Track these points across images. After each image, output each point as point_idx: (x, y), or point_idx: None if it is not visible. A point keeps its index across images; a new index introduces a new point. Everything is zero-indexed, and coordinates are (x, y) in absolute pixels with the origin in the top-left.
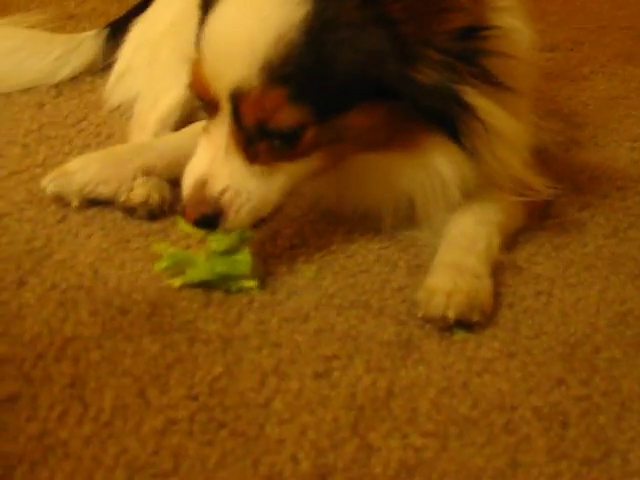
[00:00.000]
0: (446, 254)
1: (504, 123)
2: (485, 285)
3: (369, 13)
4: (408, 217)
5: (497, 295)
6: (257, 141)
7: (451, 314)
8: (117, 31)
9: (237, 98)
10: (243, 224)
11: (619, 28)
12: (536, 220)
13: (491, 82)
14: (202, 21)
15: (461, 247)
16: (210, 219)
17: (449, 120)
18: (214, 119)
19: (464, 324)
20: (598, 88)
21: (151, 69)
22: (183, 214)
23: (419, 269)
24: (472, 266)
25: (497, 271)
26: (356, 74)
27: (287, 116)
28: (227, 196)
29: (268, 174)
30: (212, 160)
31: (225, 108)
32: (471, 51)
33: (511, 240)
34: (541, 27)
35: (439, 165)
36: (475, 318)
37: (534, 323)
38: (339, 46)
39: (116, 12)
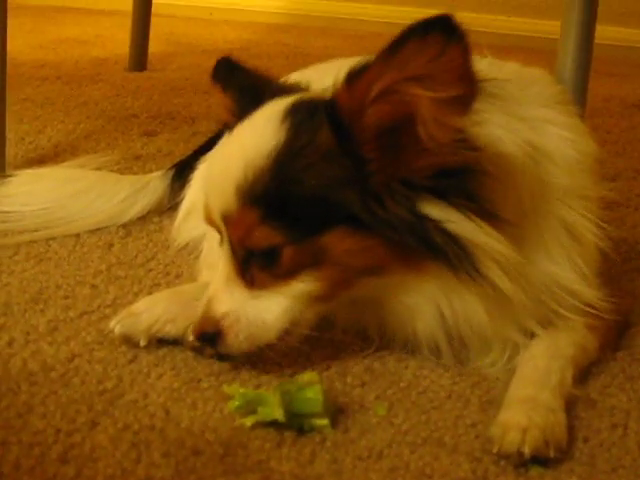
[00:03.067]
0: (519, 389)
1: (497, 248)
2: (560, 419)
3: (339, 145)
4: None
5: (572, 429)
6: (249, 264)
7: (527, 450)
8: (183, 171)
9: (226, 223)
10: (242, 348)
11: None
12: (609, 352)
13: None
14: None
15: (534, 381)
16: (211, 337)
17: (435, 250)
18: (222, 243)
19: (540, 460)
20: None
21: None
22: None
23: (491, 404)
24: (546, 401)
25: (571, 404)
26: (321, 199)
27: (262, 235)
28: (227, 320)
29: (267, 298)
30: (217, 283)
31: (224, 234)
32: (451, 187)
33: (584, 372)
34: (602, 157)
35: (434, 293)
36: (551, 454)
37: (611, 457)
38: (304, 171)
39: (181, 152)
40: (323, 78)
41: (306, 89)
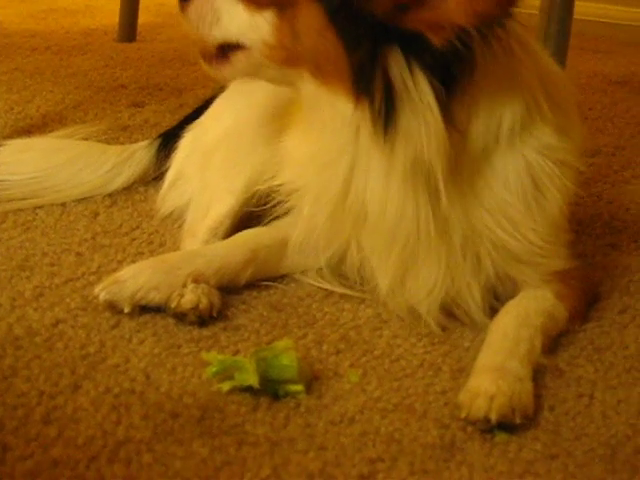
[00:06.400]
0: (488, 357)
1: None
2: (527, 388)
3: None
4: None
5: (538, 397)
6: None
7: (493, 416)
8: (169, 141)
9: None
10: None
11: None
12: (578, 323)
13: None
14: None
15: (503, 350)
16: None
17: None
18: None
19: (506, 426)
20: (639, 192)
21: (203, 177)
22: None
23: (462, 373)
24: (514, 369)
25: (539, 374)
26: None
27: None
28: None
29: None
30: None
31: None
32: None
33: (553, 343)
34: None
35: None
36: (517, 421)
37: (575, 425)
38: None
39: (168, 123)
40: None
41: None
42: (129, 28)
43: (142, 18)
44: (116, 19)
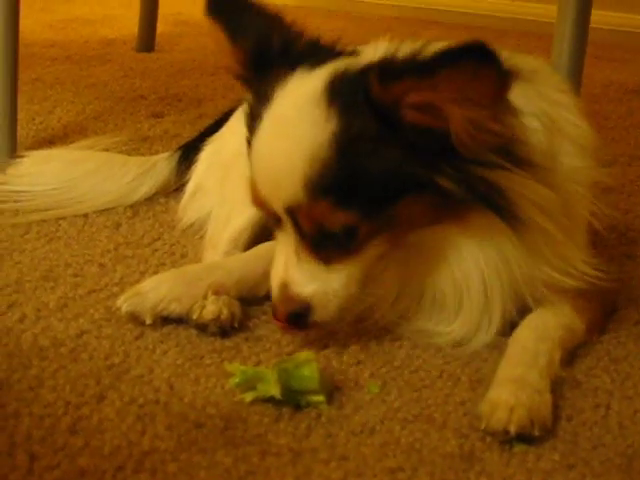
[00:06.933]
0: (508, 369)
1: (542, 197)
2: (546, 400)
3: (386, 128)
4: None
5: (556, 408)
6: (323, 243)
7: (513, 428)
8: (189, 153)
9: (292, 212)
10: (333, 317)
11: None
12: (595, 335)
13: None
14: (249, 141)
15: (523, 362)
16: (299, 316)
17: (484, 200)
18: (280, 229)
19: (525, 437)
20: None
21: (223, 189)
22: (274, 314)
23: (480, 383)
24: (534, 381)
25: (557, 385)
26: (387, 177)
27: (338, 220)
28: (314, 294)
29: (344, 269)
30: (287, 264)
31: (286, 220)
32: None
33: (571, 355)
34: (599, 143)
35: (474, 246)
36: (536, 433)
37: (592, 435)
38: (367, 157)
39: (188, 134)
40: None
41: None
42: (148, 38)
43: (160, 28)
44: (134, 29)
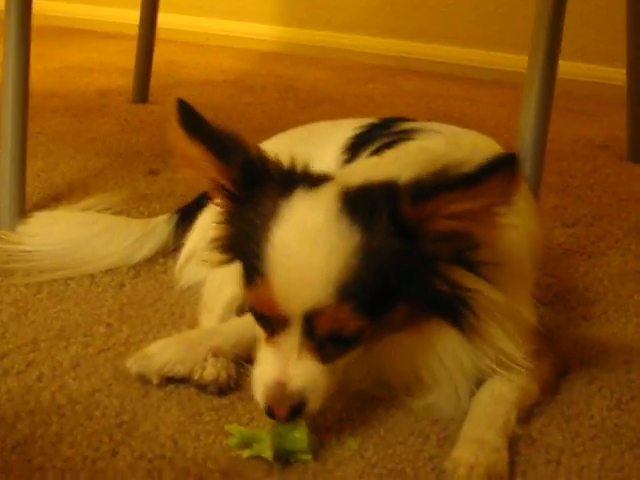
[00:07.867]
0: (469, 430)
1: (494, 301)
2: (503, 457)
3: (405, 244)
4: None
5: (512, 464)
6: (327, 346)
7: None
8: (186, 217)
9: (312, 315)
10: (324, 405)
11: (636, 201)
12: (549, 394)
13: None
14: (255, 243)
15: (482, 424)
16: (296, 409)
17: (450, 310)
18: (281, 332)
19: None
20: (612, 264)
21: None
22: (270, 414)
23: (447, 440)
24: (492, 440)
25: (513, 441)
26: (396, 287)
27: (354, 325)
28: (310, 388)
29: (333, 368)
30: (286, 365)
31: (296, 323)
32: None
33: (528, 412)
34: (564, 203)
35: (439, 346)
36: None
37: None
38: (387, 266)
39: (182, 191)
40: (288, 148)
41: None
42: (142, 89)
43: (153, 77)
44: (130, 77)
